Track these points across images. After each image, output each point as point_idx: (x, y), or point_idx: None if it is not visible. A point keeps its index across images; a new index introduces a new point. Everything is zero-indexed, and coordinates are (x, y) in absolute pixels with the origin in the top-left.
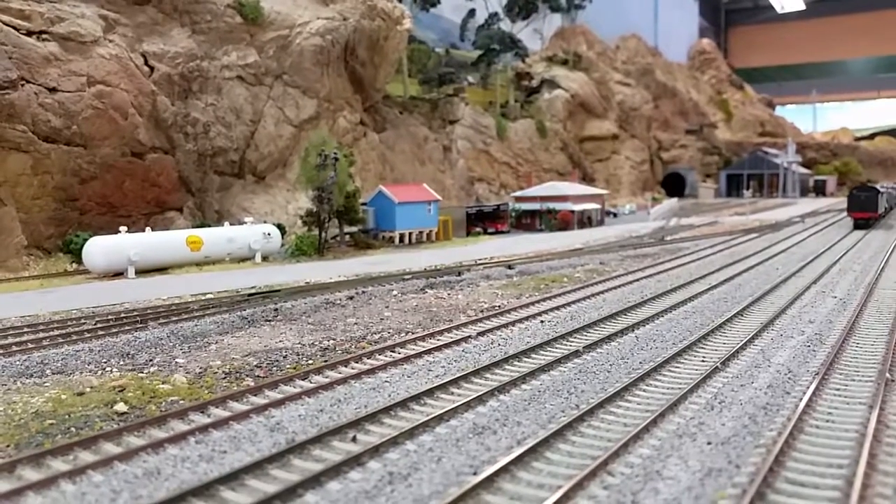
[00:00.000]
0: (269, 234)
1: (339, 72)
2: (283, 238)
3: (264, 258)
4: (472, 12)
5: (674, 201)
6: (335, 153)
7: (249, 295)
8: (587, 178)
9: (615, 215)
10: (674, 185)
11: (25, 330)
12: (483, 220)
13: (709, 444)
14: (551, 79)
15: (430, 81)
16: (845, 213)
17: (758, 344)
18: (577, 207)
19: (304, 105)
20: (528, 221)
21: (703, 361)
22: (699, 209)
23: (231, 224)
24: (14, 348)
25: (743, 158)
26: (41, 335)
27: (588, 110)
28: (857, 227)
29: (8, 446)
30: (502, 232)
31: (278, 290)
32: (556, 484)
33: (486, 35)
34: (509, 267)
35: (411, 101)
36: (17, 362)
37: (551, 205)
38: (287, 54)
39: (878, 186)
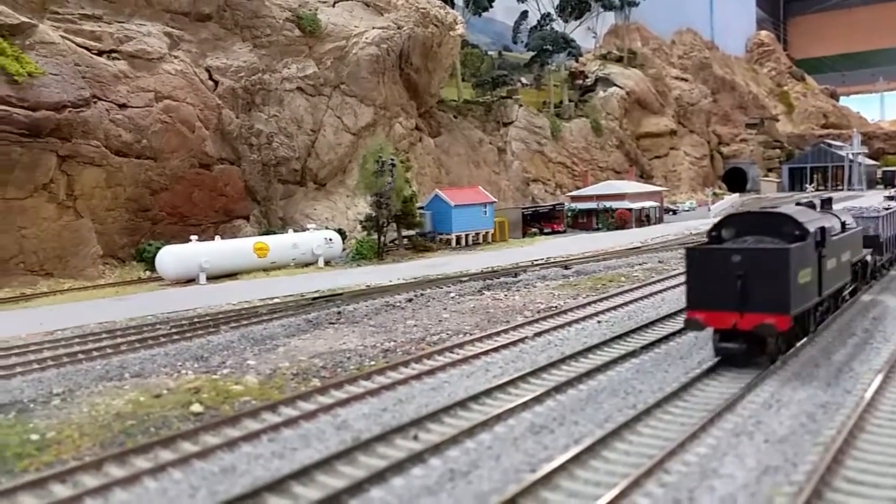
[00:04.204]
0: (330, 240)
1: (395, 79)
2: (343, 243)
3: (327, 263)
4: (524, 14)
5: (735, 197)
6: (392, 159)
7: (314, 299)
8: (645, 176)
9: (675, 212)
10: (735, 180)
11: (104, 335)
12: (539, 221)
13: (766, 441)
14: (606, 77)
15: (483, 85)
16: None
17: (818, 342)
18: (635, 205)
19: (362, 113)
20: (584, 221)
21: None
22: (761, 204)
23: (295, 230)
24: (94, 353)
25: (806, 151)
26: (119, 340)
27: (644, 107)
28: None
29: (94, 445)
30: (559, 232)
31: (340, 294)
32: (613, 482)
33: (538, 36)
34: (565, 267)
35: (465, 105)
36: (98, 366)
37: (608, 203)
38: (344, 64)
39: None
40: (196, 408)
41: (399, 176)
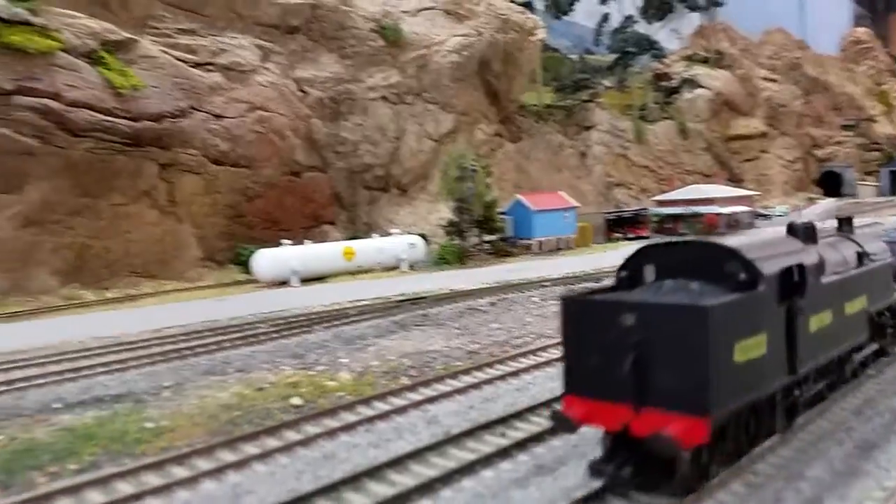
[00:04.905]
0: (413, 245)
1: (475, 86)
2: (426, 247)
3: (410, 267)
4: (605, 17)
5: (831, 202)
6: (473, 165)
7: (400, 301)
8: (735, 180)
9: (766, 217)
10: (830, 184)
11: (208, 333)
12: (623, 226)
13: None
14: (692, 78)
15: (564, 89)
16: None
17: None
18: (724, 210)
19: (443, 120)
20: (670, 226)
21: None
22: (859, 209)
23: (380, 235)
24: (200, 349)
25: None
26: (222, 338)
27: (733, 108)
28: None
29: (204, 433)
30: (643, 237)
31: (425, 297)
32: None
33: (621, 38)
34: None
35: (546, 110)
36: (204, 362)
37: (695, 208)
38: (426, 72)
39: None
40: (296, 401)
41: (480, 181)
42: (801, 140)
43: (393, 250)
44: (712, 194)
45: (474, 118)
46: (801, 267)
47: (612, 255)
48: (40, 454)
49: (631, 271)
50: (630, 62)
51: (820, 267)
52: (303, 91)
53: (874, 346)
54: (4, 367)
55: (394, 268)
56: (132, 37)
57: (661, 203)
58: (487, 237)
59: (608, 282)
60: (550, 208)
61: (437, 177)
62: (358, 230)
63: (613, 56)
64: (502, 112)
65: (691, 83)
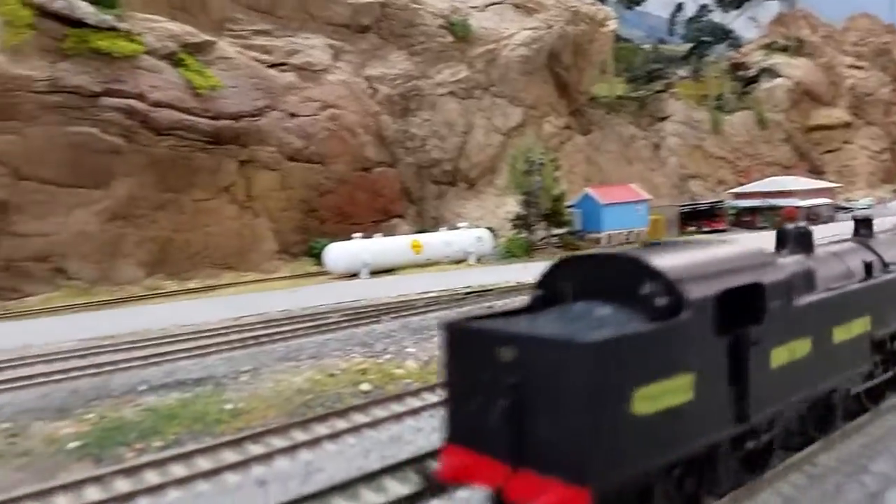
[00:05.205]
0: (480, 238)
1: (545, 78)
2: (493, 241)
3: (477, 260)
4: (679, 6)
5: None
6: (541, 159)
7: (466, 293)
8: (815, 171)
9: (847, 210)
10: None
11: (283, 321)
12: (697, 219)
13: None
14: (770, 67)
15: (637, 79)
16: None
17: None
18: (804, 203)
19: (511, 114)
20: (748, 219)
21: None
22: None
23: (448, 229)
24: (277, 337)
25: None
26: (296, 326)
27: (814, 98)
28: None
29: (278, 415)
30: (720, 230)
31: (491, 290)
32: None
33: (696, 27)
34: None
35: (618, 101)
36: (279, 348)
37: (774, 201)
38: (494, 67)
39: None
40: (365, 386)
41: (548, 175)
42: (888, 129)
43: (460, 244)
44: (791, 186)
45: (543, 111)
46: (756, 287)
47: None
48: (127, 432)
49: (548, 289)
50: (705, 52)
51: (795, 284)
52: (373, 88)
53: (880, 378)
54: (94, 351)
55: (461, 261)
56: (210, 38)
57: (739, 195)
58: (555, 231)
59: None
60: (620, 201)
61: (504, 171)
62: (426, 224)
63: (688, 46)
64: (572, 104)
65: (770, 72)
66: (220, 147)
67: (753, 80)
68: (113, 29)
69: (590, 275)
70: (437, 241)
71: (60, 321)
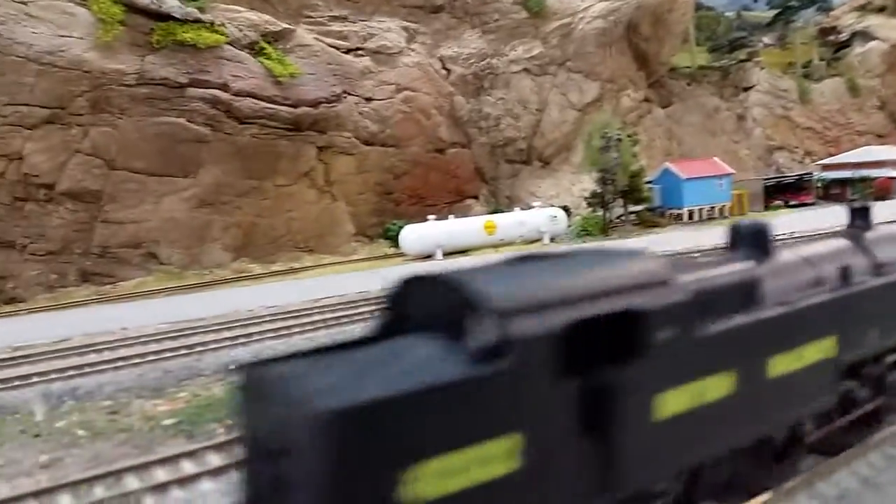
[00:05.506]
0: (555, 217)
1: (622, 51)
2: (568, 219)
3: (552, 239)
4: None
5: None
6: (618, 134)
7: None
8: None
9: None
10: None
11: (362, 303)
12: (784, 192)
13: None
14: (864, 30)
15: (719, 49)
16: None
17: None
18: None
19: (587, 89)
20: (837, 192)
21: None
22: None
23: (521, 209)
24: (356, 318)
25: None
26: (373, 307)
27: None
28: None
29: None
30: (807, 204)
31: None
32: None
33: None
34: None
35: (699, 72)
36: (358, 329)
37: (865, 171)
38: (570, 41)
39: None
40: None
41: (625, 151)
42: None
43: (534, 223)
44: (885, 156)
45: (621, 84)
46: (628, 316)
47: (770, 224)
48: (218, 409)
49: (395, 313)
50: (792, 17)
51: (711, 305)
52: (446, 69)
53: (874, 404)
54: (185, 333)
55: (536, 241)
56: (289, 27)
57: (828, 167)
58: (633, 208)
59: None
60: (702, 175)
61: (580, 148)
62: (500, 204)
63: (773, 12)
64: (651, 76)
65: (864, 36)
66: (300, 134)
67: (845, 45)
68: (197, 21)
69: (428, 299)
70: (510, 222)
71: (153, 304)
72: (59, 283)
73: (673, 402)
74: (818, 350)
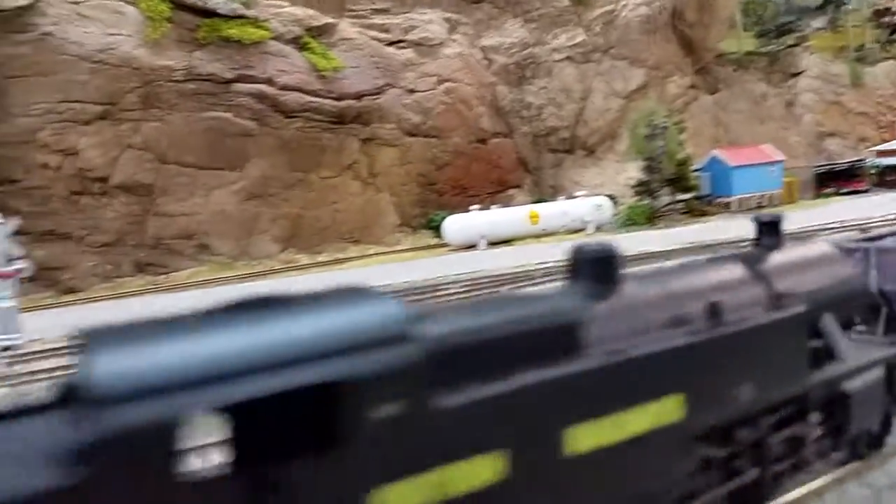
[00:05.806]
0: (599, 206)
1: (667, 37)
2: (613, 208)
3: (597, 229)
4: None
5: None
6: (664, 122)
7: None
8: None
9: None
10: None
11: (406, 292)
12: (836, 180)
13: None
14: None
15: (768, 33)
16: None
17: None
18: None
19: (632, 76)
20: (892, 178)
21: None
22: None
23: (566, 198)
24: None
25: None
26: (418, 297)
27: None
28: None
29: None
30: (861, 191)
31: None
32: None
33: None
34: (862, 231)
35: (747, 57)
36: None
37: None
38: (613, 28)
39: None
40: None
41: (672, 138)
42: None
43: (578, 212)
44: None
45: (666, 71)
46: (325, 389)
47: (820, 212)
48: None
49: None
50: (843, 0)
51: (458, 365)
52: (488, 59)
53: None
54: None
55: (580, 230)
56: (332, 20)
57: (882, 153)
58: (680, 196)
59: None
60: (751, 163)
61: (625, 136)
62: (544, 193)
63: None
64: (698, 63)
65: None
66: (344, 126)
67: None
68: (241, 17)
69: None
70: (554, 211)
71: (205, 294)
72: (114, 273)
73: (398, 500)
74: (652, 414)
